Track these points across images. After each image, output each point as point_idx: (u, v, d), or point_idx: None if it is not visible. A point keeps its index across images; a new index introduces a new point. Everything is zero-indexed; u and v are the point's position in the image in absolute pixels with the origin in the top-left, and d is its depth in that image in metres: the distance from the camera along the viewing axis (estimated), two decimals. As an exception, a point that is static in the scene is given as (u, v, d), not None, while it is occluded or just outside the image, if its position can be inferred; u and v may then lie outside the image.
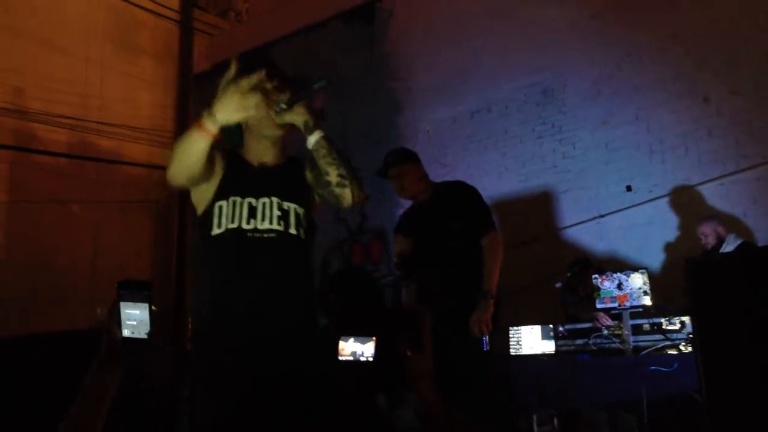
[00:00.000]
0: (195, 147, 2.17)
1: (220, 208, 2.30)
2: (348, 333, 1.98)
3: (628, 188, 6.05)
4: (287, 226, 2.29)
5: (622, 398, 4.31)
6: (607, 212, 6.10)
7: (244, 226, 2.27)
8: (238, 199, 2.30)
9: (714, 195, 5.63)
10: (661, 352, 4.37)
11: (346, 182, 2.27)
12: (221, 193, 2.32)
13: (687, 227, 5.45)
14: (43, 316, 6.71)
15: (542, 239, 6.31)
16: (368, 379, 2.00)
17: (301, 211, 2.33)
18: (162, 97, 9.44)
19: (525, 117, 6.64)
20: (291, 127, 2.37)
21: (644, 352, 4.42)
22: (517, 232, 6.19)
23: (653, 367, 4.19)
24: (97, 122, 8.55)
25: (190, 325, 8.98)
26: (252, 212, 2.29)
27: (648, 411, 4.02)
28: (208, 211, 2.33)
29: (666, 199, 5.86)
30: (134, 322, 1.60)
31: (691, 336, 4.24)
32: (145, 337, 1.60)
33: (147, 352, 1.60)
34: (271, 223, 2.28)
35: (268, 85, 2.28)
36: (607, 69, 6.31)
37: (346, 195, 2.29)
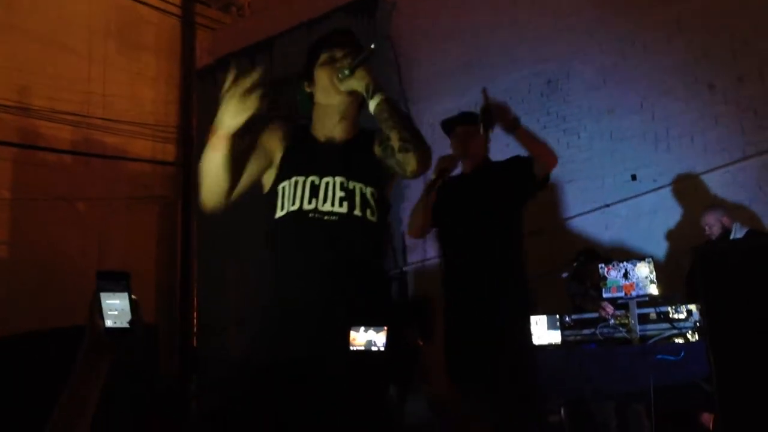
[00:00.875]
0: (213, 161, 2.10)
1: (283, 189, 2.22)
2: (360, 322, 1.95)
3: (634, 177, 6.03)
4: (351, 207, 2.17)
5: (629, 388, 4.31)
6: (613, 202, 6.08)
7: (305, 206, 2.17)
8: (301, 179, 2.20)
9: (720, 183, 5.60)
10: (668, 341, 4.36)
11: (409, 146, 2.14)
12: (284, 173, 2.24)
13: (693, 216, 5.43)
14: (48, 314, 6.71)
15: (547, 230, 6.29)
16: (380, 369, 1.97)
17: (368, 190, 2.21)
18: (165, 93, 9.45)
19: (529, 107, 6.61)
20: (358, 97, 2.31)
21: (651, 341, 4.41)
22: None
23: (660, 356, 4.19)
24: (101, 119, 8.56)
25: (195, 321, 9.01)
26: (314, 191, 2.18)
27: (655, 400, 4.01)
28: (272, 192, 2.25)
29: (671, 188, 5.84)
30: (115, 312, 1.62)
31: (698, 324, 4.23)
32: (128, 326, 1.61)
33: (130, 340, 1.61)
34: (333, 204, 2.17)
35: (338, 53, 2.29)
36: (612, 58, 6.28)
37: (410, 160, 2.15)
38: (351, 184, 2.19)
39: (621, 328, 4.59)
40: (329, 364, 2.05)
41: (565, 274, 5.42)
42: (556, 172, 6.46)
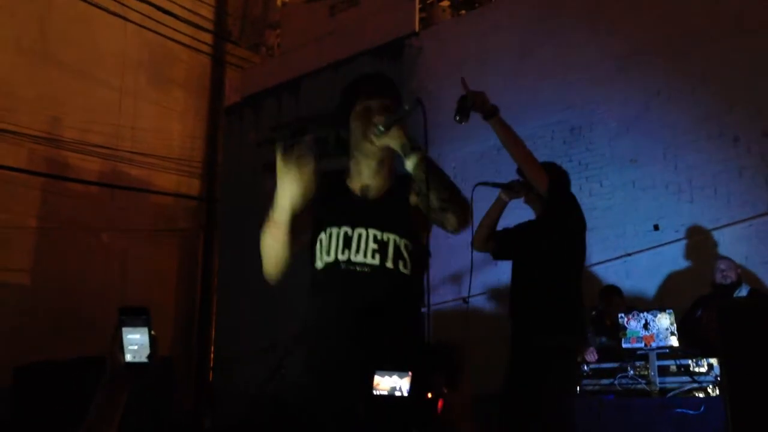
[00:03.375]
0: (271, 248, 2.13)
1: (320, 241, 2.22)
2: (385, 367, 1.93)
3: (656, 227, 6.01)
4: (384, 259, 2.16)
5: (647, 441, 4.24)
6: (634, 251, 6.04)
7: (340, 257, 2.17)
8: (335, 230, 2.20)
9: (743, 236, 5.56)
10: (688, 395, 4.30)
11: (448, 206, 2.13)
12: (320, 225, 2.24)
13: (713, 267, 5.38)
14: (70, 342, 6.77)
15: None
16: (402, 415, 1.95)
17: (402, 242, 2.20)
18: (192, 128, 9.61)
19: (552, 154, 6.62)
20: (392, 151, 2.27)
21: (671, 394, 4.35)
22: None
23: (680, 410, 4.12)
24: (129, 152, 8.71)
25: (212, 355, 9.01)
26: (347, 242, 2.18)
27: (674, 454, 3.94)
28: (312, 243, 2.24)
29: (694, 239, 5.80)
30: (135, 347, 1.65)
31: (719, 379, 4.17)
32: (146, 361, 1.64)
33: (148, 375, 1.64)
34: (365, 256, 2.16)
35: (374, 104, 2.26)
36: (635, 108, 6.31)
37: (450, 220, 2.15)
38: (385, 236, 2.18)
39: (641, 380, 4.53)
40: (353, 413, 2.04)
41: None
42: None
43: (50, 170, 8.06)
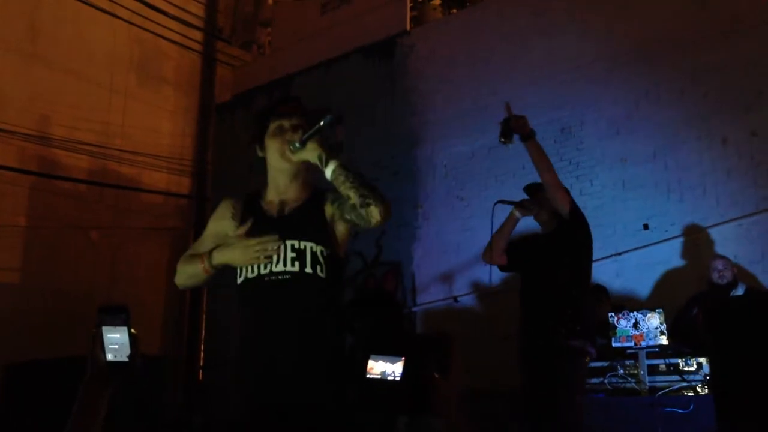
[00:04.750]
0: (196, 278, 2.55)
1: None
2: (378, 352, 2.02)
3: (645, 227, 6.03)
4: (303, 265, 2.36)
5: (637, 439, 4.26)
6: (624, 250, 6.07)
7: (262, 271, 2.37)
8: None
9: (732, 236, 5.59)
10: (677, 393, 4.32)
11: (370, 200, 2.31)
12: None
13: (704, 267, 5.41)
14: (60, 341, 6.73)
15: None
16: (393, 399, 2.05)
17: (318, 248, 2.39)
18: (183, 126, 9.57)
19: (542, 153, 6.65)
20: (306, 166, 2.47)
21: (660, 393, 4.37)
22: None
23: (669, 408, 4.15)
24: (119, 150, 8.66)
25: (202, 354, 8.99)
26: (267, 257, 2.36)
27: (664, 453, 3.96)
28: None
29: (683, 238, 5.83)
30: (116, 346, 1.65)
31: (707, 377, 4.20)
32: (126, 360, 1.65)
33: (130, 373, 1.65)
34: (285, 265, 2.36)
35: (286, 124, 2.46)
36: (626, 107, 6.33)
37: (373, 212, 2.32)
38: (302, 244, 2.38)
39: (630, 379, 4.55)
40: (284, 411, 2.25)
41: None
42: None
43: (39, 168, 8.01)
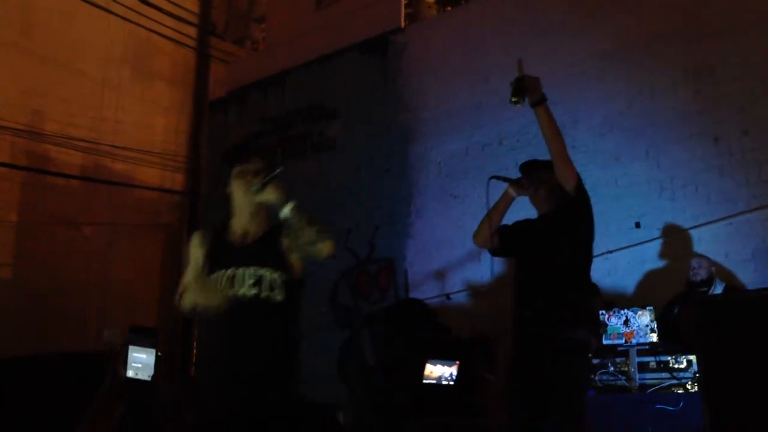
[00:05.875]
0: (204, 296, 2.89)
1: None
2: (435, 356, 2.16)
3: (637, 225, 6.05)
4: (260, 289, 2.78)
5: (627, 436, 4.27)
6: (616, 248, 6.08)
7: (228, 293, 2.79)
8: (222, 272, 2.83)
9: (723, 234, 5.61)
10: (667, 391, 4.34)
11: (321, 237, 2.76)
12: (211, 269, 2.87)
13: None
14: (51, 337, 6.73)
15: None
16: (448, 402, 2.18)
17: (275, 275, 2.81)
18: (176, 122, 9.55)
19: (536, 151, 6.59)
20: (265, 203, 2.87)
21: (650, 390, 4.39)
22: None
23: (659, 406, 4.17)
24: (111, 145, 8.64)
25: (195, 351, 8.98)
26: (231, 282, 2.80)
27: (653, 450, 3.98)
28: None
29: (675, 236, 5.85)
30: (139, 365, 1.73)
31: (697, 375, 4.21)
32: (148, 379, 1.70)
33: (149, 392, 1.72)
34: (246, 288, 2.78)
35: (248, 168, 2.88)
36: (619, 106, 6.34)
37: (320, 249, 2.77)
38: (261, 271, 2.80)
39: (621, 376, 4.57)
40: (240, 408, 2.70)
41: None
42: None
43: (31, 164, 7.98)
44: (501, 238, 3.80)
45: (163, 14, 9.06)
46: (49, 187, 8.07)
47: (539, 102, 3.57)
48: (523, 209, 3.80)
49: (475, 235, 3.86)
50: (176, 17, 9.30)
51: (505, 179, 3.78)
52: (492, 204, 3.75)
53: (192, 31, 9.68)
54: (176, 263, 9.19)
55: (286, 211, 2.76)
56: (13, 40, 7.98)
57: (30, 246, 7.90)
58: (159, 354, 1.61)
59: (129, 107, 8.93)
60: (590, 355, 3.67)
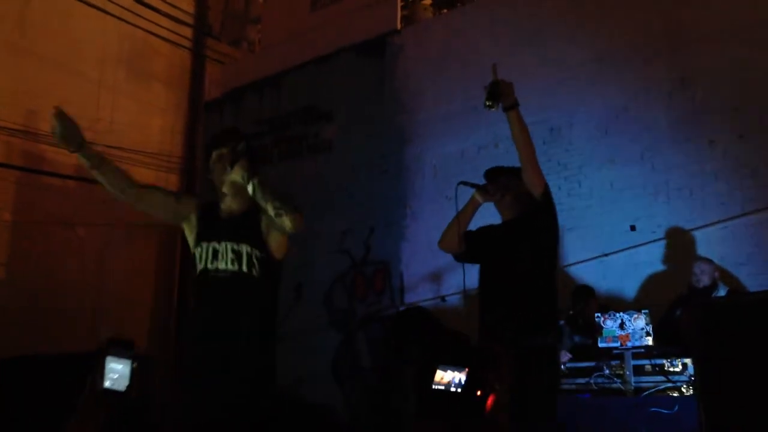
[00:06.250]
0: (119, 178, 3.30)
1: (197, 253, 2.98)
2: (446, 362, 2.20)
3: (633, 228, 6.06)
4: (240, 265, 2.89)
5: (622, 439, 4.28)
6: (611, 251, 6.10)
7: (209, 266, 2.92)
8: (206, 245, 2.96)
9: (718, 238, 5.63)
10: (662, 394, 4.35)
11: (282, 211, 2.85)
12: (197, 241, 3.01)
13: (690, 269, 5.44)
14: (46, 337, 6.70)
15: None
16: (455, 407, 2.20)
17: (254, 252, 2.92)
18: (172, 123, 9.53)
19: (531, 154, 6.66)
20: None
21: (645, 393, 4.40)
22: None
23: (654, 409, 4.17)
24: (107, 146, 8.60)
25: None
26: (215, 255, 2.92)
27: (648, 453, 3.99)
28: (193, 255, 3.01)
29: (670, 239, 5.86)
30: (115, 376, 1.75)
31: (692, 378, 4.22)
32: (123, 390, 1.73)
33: (125, 403, 1.75)
34: (226, 264, 2.90)
35: (223, 151, 3.02)
36: (614, 109, 6.36)
37: (285, 222, 2.86)
38: (240, 247, 2.91)
39: (616, 379, 4.57)
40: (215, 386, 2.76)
41: (561, 322, 5.42)
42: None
43: (26, 163, 7.96)
44: (467, 244, 3.82)
45: (159, 15, 9.04)
46: (44, 187, 8.04)
47: (513, 106, 3.65)
48: (491, 215, 3.83)
49: (442, 240, 3.91)
50: (172, 18, 9.28)
51: (472, 185, 3.84)
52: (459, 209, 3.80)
53: (188, 32, 9.66)
54: (171, 263, 9.17)
55: (250, 188, 2.90)
56: (9, 39, 7.96)
57: (25, 246, 7.87)
58: (135, 366, 1.66)
59: (125, 108, 8.91)
60: (557, 359, 3.72)
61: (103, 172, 3.17)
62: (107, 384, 1.74)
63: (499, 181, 3.77)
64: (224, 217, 3.03)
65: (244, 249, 2.91)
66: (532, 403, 3.27)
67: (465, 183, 3.86)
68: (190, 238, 3.07)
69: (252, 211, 2.99)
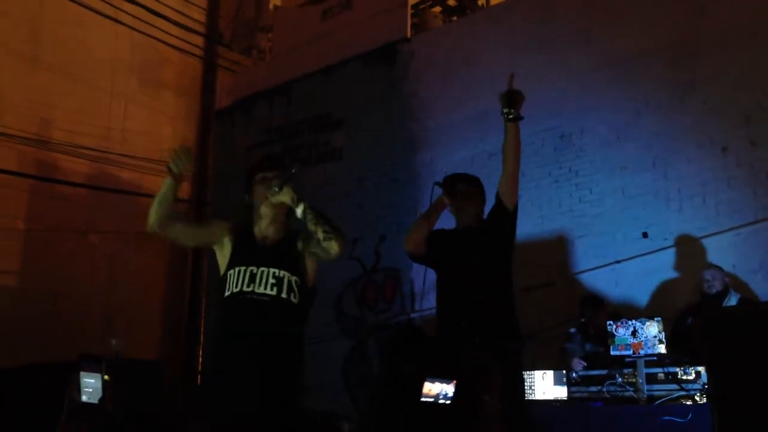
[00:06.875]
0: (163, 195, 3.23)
1: (230, 275, 2.97)
2: (434, 375, 2.19)
3: (645, 235, 6.02)
4: (280, 291, 2.92)
5: (635, 448, 4.25)
6: (623, 258, 6.06)
7: (245, 288, 2.91)
8: (243, 268, 2.95)
9: (730, 245, 5.59)
10: (675, 402, 4.31)
11: (331, 235, 2.88)
12: (231, 264, 3.00)
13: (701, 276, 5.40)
14: (56, 345, 6.72)
15: (557, 283, 6.28)
16: (443, 421, 2.19)
17: (293, 278, 2.95)
18: (183, 131, 9.58)
19: (542, 161, 6.65)
20: (284, 207, 3.03)
21: (658, 402, 4.37)
22: (532, 276, 6.17)
23: (667, 417, 4.14)
24: (119, 154, 8.67)
25: (201, 359, 8.97)
26: (252, 278, 2.92)
27: (661, 462, 3.95)
28: (223, 278, 3.00)
29: (682, 247, 5.83)
30: (90, 390, 1.80)
31: (706, 387, 4.19)
32: (96, 402, 1.78)
33: (100, 415, 1.80)
34: (266, 288, 2.91)
35: (269, 175, 3.02)
36: (626, 116, 6.33)
37: (333, 245, 2.89)
38: (281, 273, 2.94)
39: (628, 387, 4.54)
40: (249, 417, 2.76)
41: (573, 329, 5.40)
42: (568, 226, 6.52)
43: (39, 172, 8.01)
44: (430, 246, 3.81)
45: (170, 24, 9.10)
46: (56, 195, 8.09)
47: (517, 118, 3.80)
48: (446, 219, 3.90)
49: (408, 239, 3.90)
50: (183, 27, 9.34)
51: (441, 186, 3.91)
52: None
53: (199, 41, 9.72)
54: (182, 271, 9.20)
55: (299, 210, 2.92)
56: (22, 49, 8.03)
57: (36, 254, 7.91)
58: (106, 378, 1.73)
59: (136, 116, 8.96)
60: (520, 365, 3.65)
61: (168, 199, 3.15)
62: (84, 398, 1.80)
63: (457, 188, 3.87)
64: (260, 243, 3.05)
65: (285, 275, 2.94)
66: (516, 410, 3.28)
67: (440, 184, 3.94)
68: (223, 262, 3.07)
69: (287, 238, 3.05)
